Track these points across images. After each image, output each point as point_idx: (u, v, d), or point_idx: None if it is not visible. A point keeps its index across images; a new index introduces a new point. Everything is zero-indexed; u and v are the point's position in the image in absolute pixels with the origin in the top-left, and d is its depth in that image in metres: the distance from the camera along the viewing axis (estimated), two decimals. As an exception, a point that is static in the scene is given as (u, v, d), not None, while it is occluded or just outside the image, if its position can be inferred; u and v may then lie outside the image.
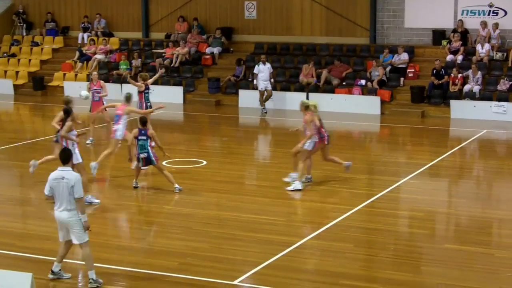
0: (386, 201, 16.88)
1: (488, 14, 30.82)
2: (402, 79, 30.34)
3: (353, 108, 29.33)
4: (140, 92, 22.00)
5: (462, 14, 31.17)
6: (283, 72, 32.12)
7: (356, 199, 16.76)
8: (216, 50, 33.93)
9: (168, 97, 30.55)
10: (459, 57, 30.19)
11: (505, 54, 29.59)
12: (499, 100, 27.94)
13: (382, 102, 29.32)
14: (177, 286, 11.79)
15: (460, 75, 28.99)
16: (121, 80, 32.61)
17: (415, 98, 29.22)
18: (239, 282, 11.89)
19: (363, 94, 29.89)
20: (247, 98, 31.00)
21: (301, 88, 30.56)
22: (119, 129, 18.76)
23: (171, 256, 13.00)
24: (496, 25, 30.21)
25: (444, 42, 31.09)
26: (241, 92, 31.33)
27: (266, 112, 29.36)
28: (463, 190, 18.77)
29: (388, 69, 30.64)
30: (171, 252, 13.25)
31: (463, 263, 12.99)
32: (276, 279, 12.09)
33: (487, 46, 29.82)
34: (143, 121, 17.38)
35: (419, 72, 30.60)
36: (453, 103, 28.29)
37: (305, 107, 17.78)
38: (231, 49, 34.33)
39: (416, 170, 19.57)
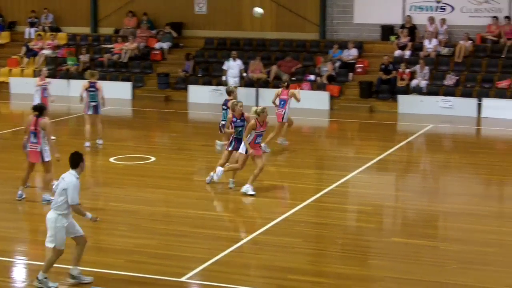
0: (335, 195, 16.96)
1: (436, 10, 31.14)
2: (351, 74, 30.50)
3: (302, 103, 29.31)
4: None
5: (410, 10, 31.44)
6: (233, 68, 32.07)
7: (305, 194, 16.81)
8: (165, 45, 33.77)
9: (116, 93, 30.34)
10: (407, 52, 30.45)
11: (452, 49, 29.91)
12: (445, 95, 28.24)
13: (331, 97, 29.47)
14: (124, 284, 11.69)
15: (407, 70, 29.25)
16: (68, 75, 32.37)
17: (363, 93, 29.41)
18: (186, 279, 11.84)
19: (312, 89, 29.99)
20: (196, 94, 30.93)
21: (251, 84, 30.56)
22: (286, 112, 21.24)
23: (118, 254, 12.91)
24: (443, 21, 30.53)
25: (392, 38, 31.33)
26: (191, 87, 31.24)
27: None
28: (410, 184, 18.94)
29: (337, 64, 30.78)
30: (118, 249, 13.15)
31: (409, 256, 13.12)
32: (224, 275, 12.07)
33: (434, 41, 30.13)
34: None
35: (368, 67, 30.81)
36: (401, 98, 28.55)
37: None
38: (181, 44, 34.20)
39: (364, 165, 19.69)
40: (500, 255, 13.24)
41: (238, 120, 17.24)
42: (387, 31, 31.65)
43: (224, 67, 29.96)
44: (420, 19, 31.05)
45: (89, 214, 11.43)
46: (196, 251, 13.13)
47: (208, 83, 31.44)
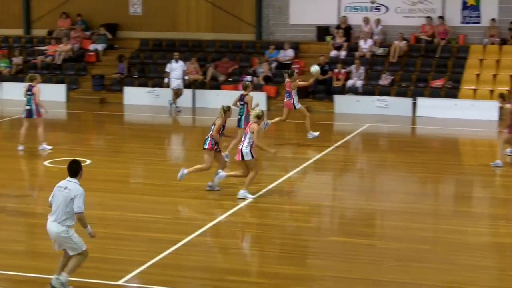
0: (273, 195, 16.95)
1: (370, 11, 31.42)
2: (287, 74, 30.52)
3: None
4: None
5: (345, 11, 31.66)
6: (169, 69, 31.89)
7: (243, 194, 16.75)
8: (100, 47, 33.42)
9: (50, 95, 29.87)
10: (343, 53, 30.65)
11: (387, 49, 30.20)
12: (381, 94, 28.51)
13: (268, 97, 29.49)
14: (60, 288, 11.48)
15: (343, 70, 29.45)
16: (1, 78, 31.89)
17: (300, 93, 29.25)
18: (123, 282, 11.69)
19: (249, 90, 29.94)
20: (132, 96, 30.68)
21: (187, 85, 30.40)
22: (295, 100, 22.19)
23: (54, 258, 12.65)
24: (378, 21, 30.82)
25: (328, 38, 31.51)
26: (126, 89, 30.98)
27: (180, 111, 28.81)
28: (347, 183, 19.05)
29: (273, 65, 30.83)
30: (54, 254, 12.90)
31: (347, 255, 13.17)
32: (162, 278, 11.95)
33: (369, 41, 30.39)
34: None
35: (304, 67, 30.89)
36: (337, 98, 28.72)
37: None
38: (116, 46, 33.91)
39: (302, 165, 19.74)
40: (436, 252, 13.37)
41: None
42: (323, 31, 31.82)
43: (167, 69, 29.63)
44: (355, 19, 31.30)
45: (89, 227, 11.08)
46: (133, 254, 12.98)
47: (144, 84, 31.22)
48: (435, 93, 28.34)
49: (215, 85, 30.51)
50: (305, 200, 16.72)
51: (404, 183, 18.80)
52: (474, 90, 28.35)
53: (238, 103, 20.02)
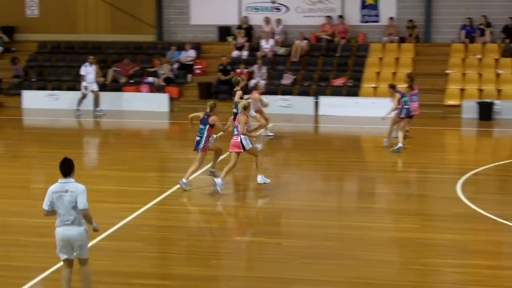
0: (177, 197, 16.81)
1: (271, 10, 31.59)
2: (189, 75, 30.47)
3: (142, 106, 29.13)
4: None
5: (246, 11, 31.75)
6: (69, 72, 31.38)
7: (147, 197, 16.57)
8: (-4, 50, 32.65)
9: None
10: (245, 53, 30.71)
11: (288, 49, 30.40)
12: (283, 94, 28.67)
13: (171, 99, 29.32)
14: (-42, 298, 11.13)
15: (245, 70, 29.50)
16: None
17: (203, 94, 29.42)
18: (25, 289, 11.41)
19: (151, 91, 29.75)
20: (31, 99, 30.03)
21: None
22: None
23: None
24: (278, 21, 31.00)
25: (229, 38, 31.53)
26: (25, 93, 30.31)
27: (101, 114, 28.23)
28: (252, 182, 19.02)
29: (175, 66, 30.67)
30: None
31: (253, 254, 13.16)
32: (65, 284, 11.68)
33: (271, 41, 30.53)
34: None
35: (206, 68, 30.86)
36: (240, 98, 28.71)
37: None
38: (13, 49, 33.13)
39: (206, 165, 19.63)
40: (341, 249, 13.49)
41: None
42: (224, 32, 31.83)
43: (82, 72, 28.91)
44: (256, 19, 31.41)
45: (94, 223, 10.67)
46: (36, 260, 12.66)
47: (43, 88, 30.60)
48: (337, 92, 28.66)
49: (117, 87, 30.14)
50: (210, 201, 16.64)
51: (308, 181, 18.90)
52: (375, 88, 28.79)
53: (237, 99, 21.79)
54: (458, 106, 27.30)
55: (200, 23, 32.13)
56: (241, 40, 30.99)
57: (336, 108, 27.76)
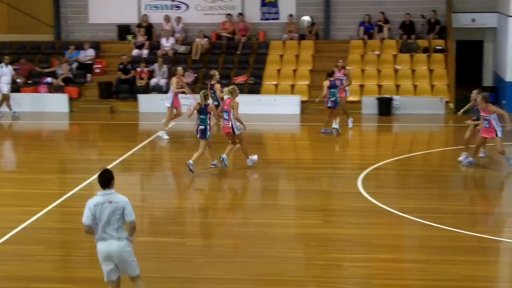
0: (78, 199, 16.49)
1: (171, 9, 31.43)
2: (89, 75, 30.04)
3: (40, 107, 28.58)
4: None
5: (145, 9, 31.52)
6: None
7: (47, 199, 16.25)
8: None
9: None
10: (145, 51, 30.47)
11: (189, 47, 30.28)
12: (184, 92, 28.50)
13: (71, 99, 28.85)
14: None
15: (146, 69, 29.27)
16: None
17: (103, 93, 29.07)
18: None
19: (50, 92, 29.20)
20: None
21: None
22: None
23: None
24: (178, 19, 30.86)
25: (129, 37, 31.23)
26: None
27: (17, 116, 27.34)
28: (154, 182, 18.90)
29: (74, 65, 30.19)
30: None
31: (158, 254, 13.04)
32: (-37, 291, 11.36)
33: (171, 39, 30.37)
34: None
35: (106, 67, 30.49)
36: (141, 97, 28.50)
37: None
38: None
39: (107, 166, 19.38)
40: (245, 246, 13.51)
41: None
42: (124, 30, 31.51)
43: None
44: (156, 17, 31.20)
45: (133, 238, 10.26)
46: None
47: None
48: (239, 89, 28.62)
49: (15, 88, 29.46)
50: (113, 202, 16.40)
51: (211, 180, 18.83)
52: (276, 85, 28.96)
53: (213, 90, 22.58)
54: (358, 102, 27.70)
55: (99, 21, 31.72)
56: (141, 38, 30.73)
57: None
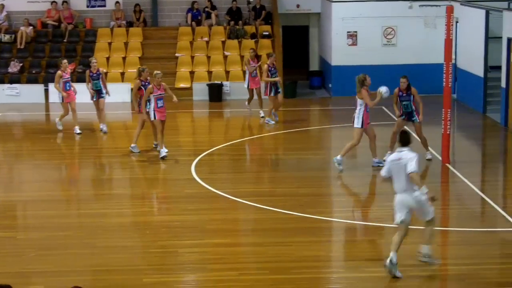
0: None
1: (-7, -4, 30.34)
2: None
3: None
4: None
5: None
6: None
7: None
8: None
9: None
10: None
11: (13, 36, 29.39)
12: (11, 82, 27.71)
13: None
14: None
15: (-31, 59, 28.21)
16: None
17: None
18: None
19: None
20: None
21: None
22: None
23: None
24: (2, 7, 29.85)
25: (-51, 26, 29.95)
26: None
27: None
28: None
29: None
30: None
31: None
32: None
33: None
34: None
35: None
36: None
37: None
38: None
39: None
40: (79, 238, 13.37)
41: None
42: None
43: None
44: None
45: (424, 189, 11.36)
46: None
47: None
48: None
49: None
50: None
51: (43, 171, 18.42)
52: (106, 73, 28.57)
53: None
54: (189, 88, 27.78)
55: None
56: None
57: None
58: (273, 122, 22.86)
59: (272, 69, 22.91)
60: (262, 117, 23.21)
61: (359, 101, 17.30)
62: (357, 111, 17.33)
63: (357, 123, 17.32)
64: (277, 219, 14.24)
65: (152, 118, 18.62)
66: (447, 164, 17.68)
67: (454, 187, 16.89)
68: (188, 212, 14.80)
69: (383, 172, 11.73)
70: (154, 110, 18.49)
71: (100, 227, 13.90)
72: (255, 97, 24.11)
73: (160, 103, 18.50)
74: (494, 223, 14.17)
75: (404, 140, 11.59)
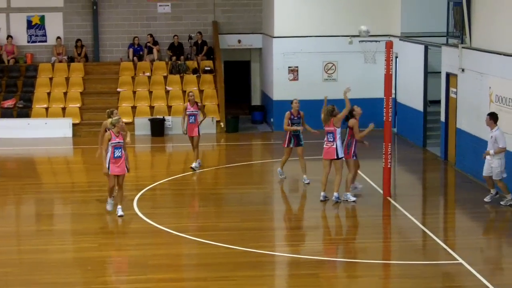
0: None
1: None
2: None
3: None
4: None
5: None
6: None
7: None
8: None
9: None
10: None
11: None
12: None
13: None
14: None
15: None
16: None
17: None
18: None
19: None
20: None
21: None
22: None
23: None
24: None
25: None
26: None
27: None
28: None
29: None
30: None
31: None
32: None
33: None
34: None
35: None
36: None
37: None
38: None
39: None
40: (20, 274, 13.21)
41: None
42: None
43: None
44: None
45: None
46: None
47: None
48: (7, 114, 27.86)
49: None
50: None
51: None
52: (46, 108, 28.38)
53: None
54: (131, 123, 27.69)
55: None
56: None
57: (7, 131, 26.89)
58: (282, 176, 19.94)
59: (295, 118, 19.50)
60: (307, 183, 19.36)
61: (337, 131, 17.51)
62: (338, 142, 17.52)
63: (341, 153, 17.54)
64: (220, 254, 14.24)
65: (105, 170, 17.05)
66: (388, 198, 17.89)
67: (396, 221, 17.08)
68: (131, 248, 14.72)
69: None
70: (109, 161, 16.76)
71: (41, 263, 13.73)
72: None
73: (117, 153, 16.71)
74: (435, 256, 14.34)
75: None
